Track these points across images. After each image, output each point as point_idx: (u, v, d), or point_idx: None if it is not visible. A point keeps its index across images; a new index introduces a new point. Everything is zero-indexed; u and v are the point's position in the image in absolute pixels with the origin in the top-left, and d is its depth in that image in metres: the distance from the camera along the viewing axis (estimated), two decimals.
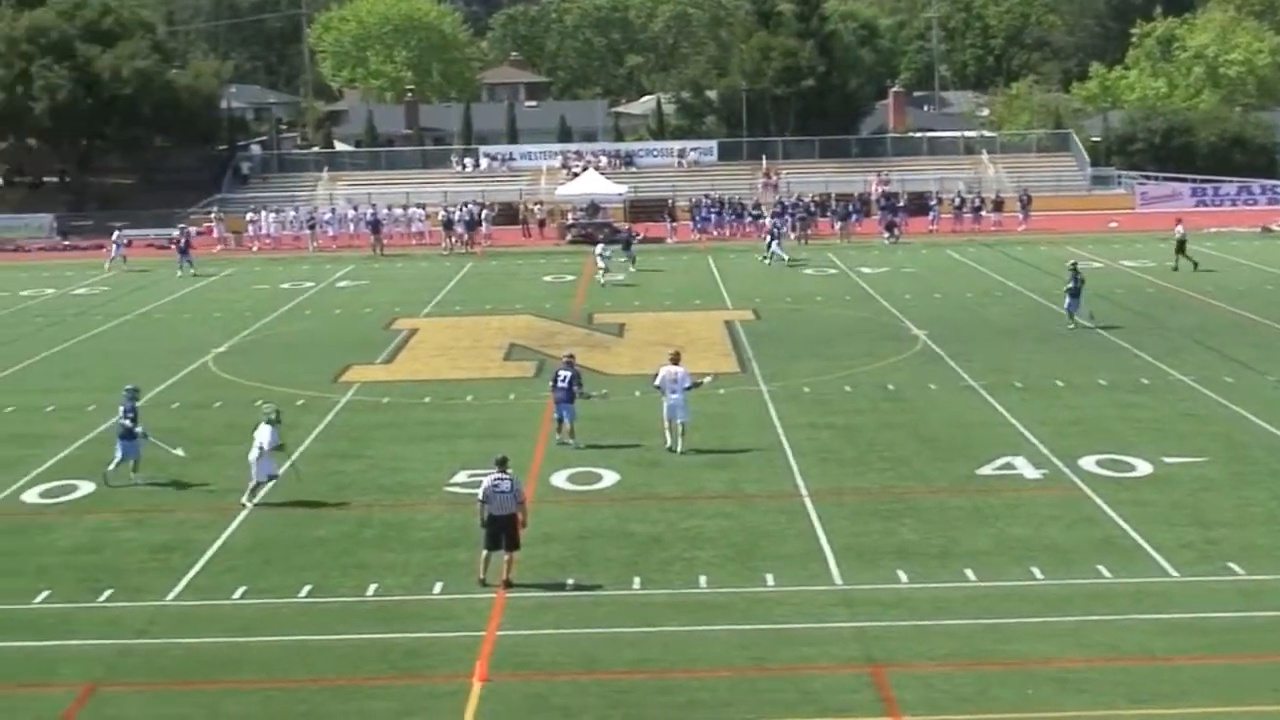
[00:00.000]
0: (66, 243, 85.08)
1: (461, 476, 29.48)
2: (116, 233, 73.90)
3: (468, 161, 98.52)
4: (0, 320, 55.36)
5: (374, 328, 50.81)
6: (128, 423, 30.29)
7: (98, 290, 63.95)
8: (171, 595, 23.82)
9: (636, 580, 23.80)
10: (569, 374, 32.37)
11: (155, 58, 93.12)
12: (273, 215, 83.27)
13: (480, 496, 23.79)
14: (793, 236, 74.31)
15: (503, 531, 23.61)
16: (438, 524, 27.18)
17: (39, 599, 23.83)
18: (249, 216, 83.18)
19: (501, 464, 24.00)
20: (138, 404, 30.92)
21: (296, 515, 28.07)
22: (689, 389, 32.11)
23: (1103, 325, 46.29)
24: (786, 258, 66.57)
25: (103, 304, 59.39)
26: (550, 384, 32.99)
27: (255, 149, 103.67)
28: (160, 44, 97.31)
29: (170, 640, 21.86)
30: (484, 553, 23.72)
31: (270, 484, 28.72)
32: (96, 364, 45.27)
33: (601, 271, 60.09)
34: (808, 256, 68.67)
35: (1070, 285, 46.57)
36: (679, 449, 31.74)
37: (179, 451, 31.27)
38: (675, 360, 32.55)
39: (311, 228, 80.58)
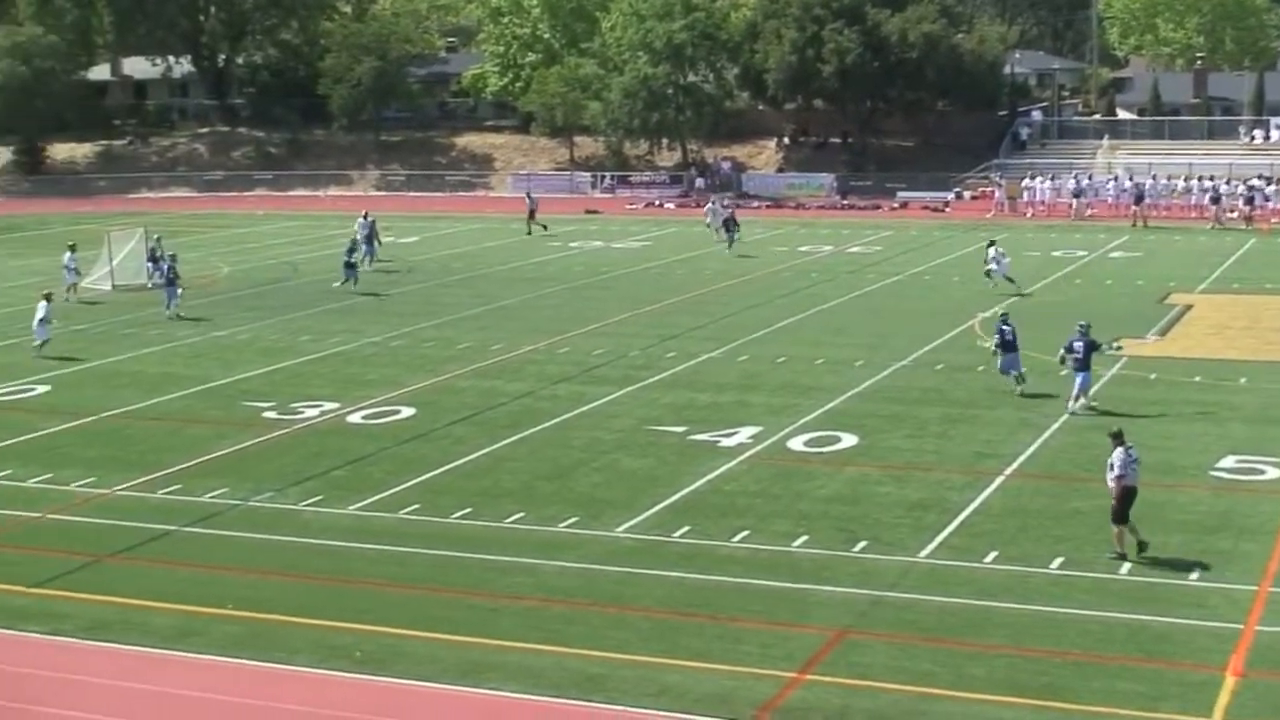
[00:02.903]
0: (845, 202, 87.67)
1: (1229, 461, 28.20)
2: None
3: (1256, 133, 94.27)
4: (778, 275, 57.70)
5: (1146, 301, 49.47)
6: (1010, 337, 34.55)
7: (871, 249, 65.53)
8: (924, 552, 24.11)
9: None
10: None
11: (942, 22, 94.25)
12: (1047, 182, 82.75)
13: (1120, 472, 23.36)
14: None
15: (1131, 503, 23.35)
16: (1199, 508, 26.19)
17: (797, 543, 24.69)
18: (1024, 183, 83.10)
19: (1117, 437, 23.75)
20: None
21: (1054, 486, 27.79)
22: None
23: None
24: None
25: (875, 263, 60.83)
26: None
27: (1036, 115, 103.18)
28: (948, 8, 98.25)
29: (919, 596, 22.13)
30: (1118, 528, 23.44)
31: None
32: (864, 320, 46.43)
33: None
34: None
35: None
36: None
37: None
38: None
39: (1077, 196, 79.47)
